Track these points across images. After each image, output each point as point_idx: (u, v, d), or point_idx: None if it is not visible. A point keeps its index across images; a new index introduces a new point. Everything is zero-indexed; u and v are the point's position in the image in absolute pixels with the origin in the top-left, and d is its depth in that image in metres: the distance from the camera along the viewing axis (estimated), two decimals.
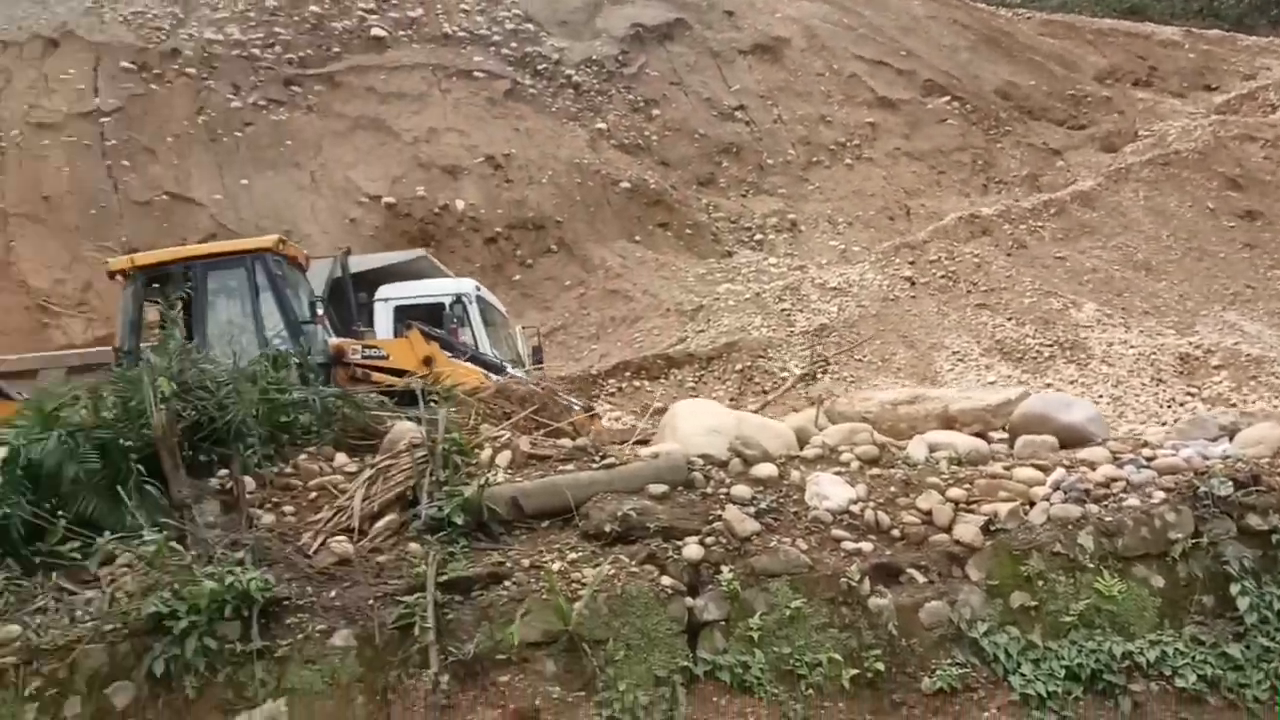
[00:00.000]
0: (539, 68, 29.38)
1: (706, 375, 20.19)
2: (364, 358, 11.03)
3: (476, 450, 6.94)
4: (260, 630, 5.59)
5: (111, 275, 12.20)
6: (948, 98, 32.59)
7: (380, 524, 6.32)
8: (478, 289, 14.70)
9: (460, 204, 25.29)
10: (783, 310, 22.37)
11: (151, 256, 12.09)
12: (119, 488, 6.19)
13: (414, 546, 6.23)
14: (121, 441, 6.24)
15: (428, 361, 11.01)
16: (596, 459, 7.01)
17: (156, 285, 11.42)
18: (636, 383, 20.19)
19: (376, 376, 10.45)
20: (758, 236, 27.54)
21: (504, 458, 6.98)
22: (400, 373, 10.46)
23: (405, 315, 13.31)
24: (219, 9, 28.40)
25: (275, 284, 11.20)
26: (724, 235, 27.32)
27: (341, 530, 6.31)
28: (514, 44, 29.67)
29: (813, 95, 31.56)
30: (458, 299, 13.46)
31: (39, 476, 6.07)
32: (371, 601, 5.84)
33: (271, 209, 24.76)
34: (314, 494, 6.72)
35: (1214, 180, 27.28)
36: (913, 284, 23.00)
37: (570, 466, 6.97)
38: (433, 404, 7.59)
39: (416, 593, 5.81)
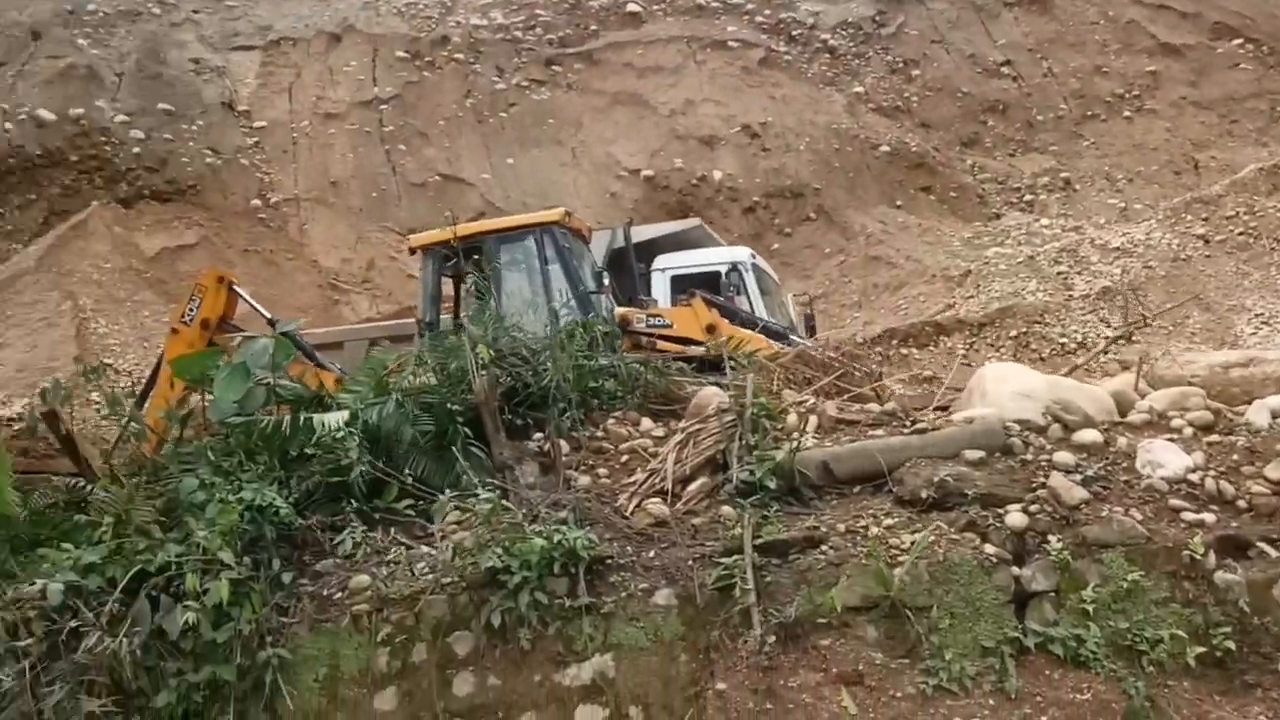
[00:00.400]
0: (793, 34, 28.99)
1: (978, 342, 19.42)
2: (648, 326, 11.17)
3: (783, 415, 6.88)
4: (586, 587, 5.72)
5: (411, 251, 12.84)
6: (1240, 40, 29.96)
7: (693, 487, 6.36)
8: (753, 257, 14.67)
9: (718, 174, 25.33)
10: (1059, 273, 21.21)
11: (446, 233, 12.64)
12: (450, 449, 6.49)
13: (726, 509, 6.23)
14: (449, 406, 6.54)
15: (711, 329, 11.06)
16: (907, 424, 6.81)
17: (452, 260, 11.91)
18: (904, 350, 19.65)
19: (661, 345, 10.56)
20: (1027, 197, 26.29)
21: (810, 423, 6.88)
22: (685, 341, 10.55)
23: (682, 284, 13.44)
24: None
25: (563, 256, 11.47)
26: (991, 197, 26.23)
27: (655, 492, 6.38)
28: (767, 11, 29.38)
29: (1086, 45, 29.74)
30: (733, 267, 13.47)
31: (377, 438, 6.44)
32: (690, 562, 5.88)
33: (536, 186, 25.57)
34: (625, 457, 6.84)
35: None
36: (1206, 242, 21.32)
37: (880, 431, 6.80)
38: (732, 370, 7.62)
39: (734, 555, 5.80)
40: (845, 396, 7.43)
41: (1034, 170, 26.95)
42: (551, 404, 6.80)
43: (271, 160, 25.92)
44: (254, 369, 6.92)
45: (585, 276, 11.60)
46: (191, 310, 11.16)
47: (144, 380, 12.20)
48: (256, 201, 25.05)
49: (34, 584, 5.56)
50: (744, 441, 6.46)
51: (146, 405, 10.91)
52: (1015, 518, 5.96)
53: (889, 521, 6.03)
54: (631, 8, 29.19)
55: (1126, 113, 28.55)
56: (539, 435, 6.89)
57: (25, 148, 23.97)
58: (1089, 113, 28.50)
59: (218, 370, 6.95)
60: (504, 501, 5.96)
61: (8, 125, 24.11)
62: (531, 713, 5.59)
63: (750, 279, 13.83)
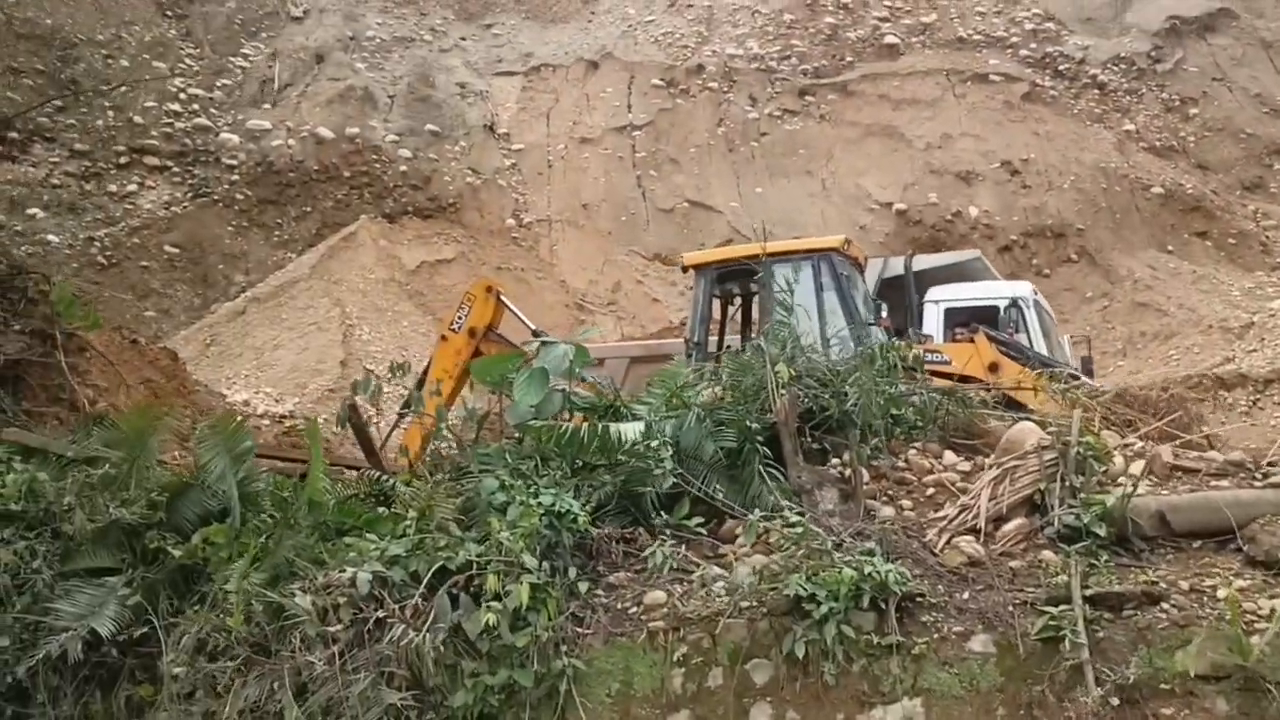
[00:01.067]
0: (1060, 68, 27.78)
1: (1263, 399, 17.90)
2: (925, 362, 10.67)
3: (1108, 457, 6.33)
4: (896, 624, 5.35)
5: (685, 270, 12.81)
6: None
7: (1009, 527, 5.88)
8: (1034, 293, 13.93)
9: (974, 210, 24.45)
10: None
11: (722, 253, 12.58)
12: (744, 468, 6.28)
13: (1048, 554, 5.72)
14: (748, 424, 6.31)
15: (994, 368, 10.50)
16: (1258, 476, 6.14)
17: (725, 281, 11.84)
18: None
19: (937, 382, 10.07)
20: None
21: (1137, 467, 6.30)
22: (965, 379, 9.99)
23: (956, 318, 12.88)
24: (740, 25, 29.55)
25: (839, 283, 11.19)
26: (1275, 245, 24.27)
27: (966, 530, 5.95)
28: (1033, 45, 28.28)
29: None
30: (1014, 302, 12.77)
31: (675, 453, 6.27)
32: (1010, 608, 5.41)
33: (784, 215, 25.31)
34: (930, 490, 6.44)
35: None
36: None
37: (1224, 483, 6.15)
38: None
39: (1060, 605, 5.28)
40: (1177, 442, 6.78)
41: None
42: (853, 429, 6.46)
43: (527, 182, 26.73)
44: (552, 375, 6.91)
45: (859, 305, 11.25)
46: (460, 318, 11.41)
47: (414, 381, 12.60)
48: (511, 221, 25.86)
49: (344, 571, 5.62)
50: (1067, 483, 5.95)
51: (414, 407, 11.26)
52: None
53: (1241, 583, 5.39)
54: (889, 39, 28.68)
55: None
56: (836, 461, 6.57)
57: (305, 163, 25.55)
58: None
59: (517, 374, 6.95)
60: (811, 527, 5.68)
61: (291, 142, 25.75)
62: None
63: (1031, 316, 13.10)
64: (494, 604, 5.38)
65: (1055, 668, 5.15)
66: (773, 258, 11.74)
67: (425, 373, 11.64)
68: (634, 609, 5.70)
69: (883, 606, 5.36)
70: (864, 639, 5.33)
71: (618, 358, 12.45)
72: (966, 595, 5.57)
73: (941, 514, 6.06)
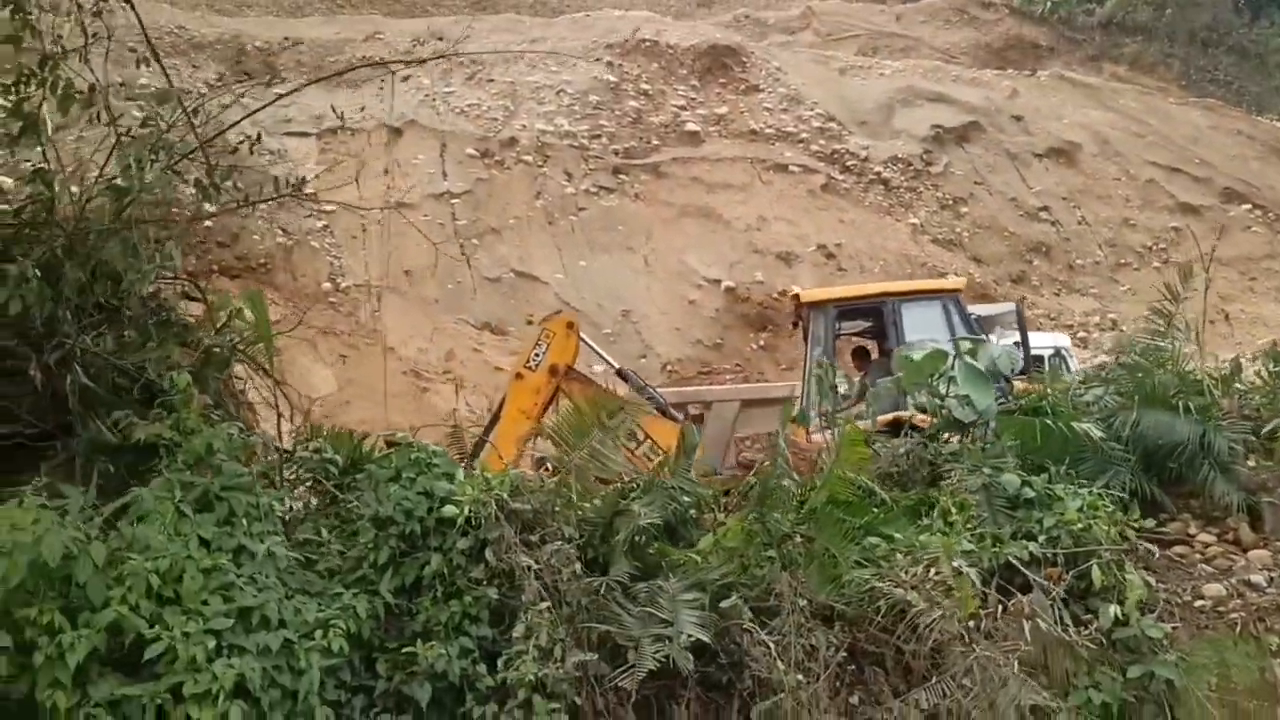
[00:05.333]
0: (848, 164, 29.78)
1: None
2: None
3: None
4: None
5: (798, 306, 13.21)
6: (1248, 205, 32.05)
7: None
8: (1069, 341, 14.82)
9: (797, 290, 25.42)
10: None
11: (841, 291, 13.22)
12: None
13: None
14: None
15: None
16: None
17: (845, 319, 12.32)
18: None
19: None
20: (1080, 334, 27.06)
21: None
22: None
23: None
24: (545, 103, 29.55)
25: (968, 323, 11.64)
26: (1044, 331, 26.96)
27: None
28: (821, 141, 30.20)
29: (1113, 199, 31.34)
30: (1057, 351, 13.54)
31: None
32: None
33: (610, 289, 25.29)
34: None
35: None
36: None
37: None
38: None
39: None
40: None
41: (1082, 309, 27.88)
42: None
43: (341, 245, 25.14)
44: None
45: None
46: (539, 354, 10.70)
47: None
48: (327, 285, 24.15)
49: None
50: None
51: (485, 448, 10.35)
52: None
53: None
54: (690, 126, 29.64)
55: (1155, 264, 29.94)
56: None
57: None
58: (1122, 261, 29.82)
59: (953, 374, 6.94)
60: None
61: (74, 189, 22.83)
62: None
63: (1073, 362, 13.90)
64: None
65: None
66: (899, 297, 12.07)
67: (496, 415, 10.84)
68: (1196, 601, 5.44)
69: None
70: None
71: (727, 400, 12.22)
72: None
73: None
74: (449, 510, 6.66)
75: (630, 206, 27.29)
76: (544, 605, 5.96)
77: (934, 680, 5.55)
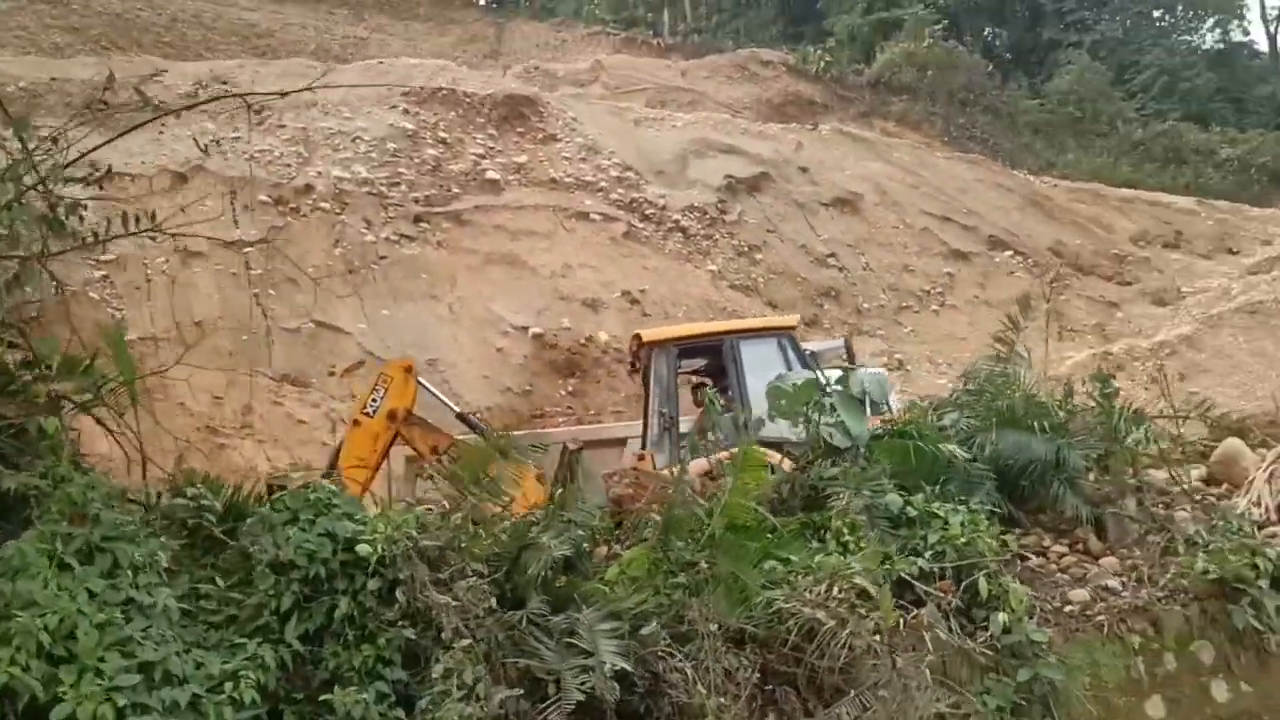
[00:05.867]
0: (647, 213, 30.33)
1: None
2: None
3: None
4: None
5: (639, 346, 13.29)
6: (1010, 252, 34.50)
7: None
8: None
9: (604, 335, 25.62)
10: None
11: (680, 330, 13.43)
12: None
13: None
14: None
15: None
16: None
17: (685, 358, 12.53)
18: None
19: None
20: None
21: None
22: None
23: None
24: (341, 149, 28.87)
25: (803, 360, 11.92)
26: None
27: None
28: (620, 190, 30.66)
29: (893, 246, 33.10)
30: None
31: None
32: None
33: (416, 338, 24.74)
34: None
35: None
36: None
37: None
38: None
39: None
40: None
41: (871, 350, 29.11)
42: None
43: (123, 296, 23.66)
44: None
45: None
46: (375, 400, 10.36)
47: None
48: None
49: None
50: None
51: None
52: None
53: None
54: (491, 175, 29.57)
55: (934, 306, 31.77)
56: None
57: None
58: (904, 304, 31.47)
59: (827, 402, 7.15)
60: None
61: None
62: None
63: (893, 397, 14.42)
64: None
65: None
66: (737, 335, 12.25)
67: (332, 462, 10.34)
68: (1065, 607, 5.70)
69: None
70: None
71: (579, 441, 12.06)
72: None
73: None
74: (363, 549, 6.47)
75: (433, 254, 26.88)
76: (465, 643, 5.77)
77: (851, 694, 5.71)
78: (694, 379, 14.79)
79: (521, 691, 6.09)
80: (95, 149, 9.18)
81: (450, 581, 6.26)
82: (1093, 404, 9.44)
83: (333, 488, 7.21)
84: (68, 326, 22.44)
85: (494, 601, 6.27)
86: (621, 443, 13.19)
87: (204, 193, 26.40)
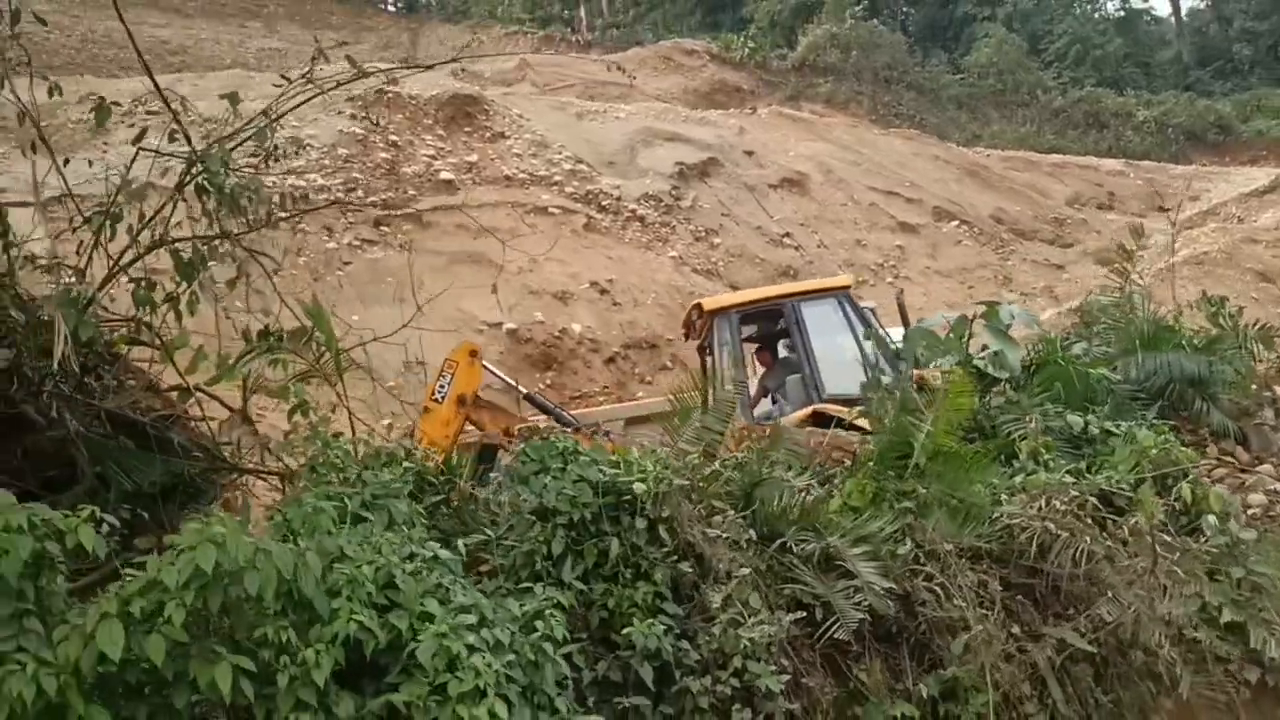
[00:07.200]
0: (603, 204, 30.41)
1: None
2: None
3: None
4: None
5: (701, 314, 13.47)
6: (956, 222, 35.25)
7: None
8: None
9: (577, 327, 25.68)
10: None
11: (738, 297, 13.83)
12: None
13: None
14: None
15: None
16: None
17: (746, 324, 12.83)
18: None
19: None
20: None
21: None
22: None
23: None
24: (293, 158, 28.46)
25: (861, 316, 12.20)
26: None
27: None
28: (575, 183, 30.69)
29: (844, 222, 33.62)
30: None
31: None
32: None
33: (389, 342, 24.58)
34: None
35: (1246, 274, 30.36)
36: None
37: None
38: None
39: None
40: None
41: None
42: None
43: None
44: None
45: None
46: (443, 386, 10.46)
47: None
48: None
49: None
50: None
51: None
52: None
53: None
54: (445, 175, 29.40)
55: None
56: None
57: None
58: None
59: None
60: None
61: None
62: None
63: None
64: None
65: None
66: (797, 297, 12.50)
67: None
68: (1247, 510, 6.07)
69: None
70: None
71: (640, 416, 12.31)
72: None
73: None
74: (639, 488, 6.65)
75: (397, 257, 26.60)
76: (745, 571, 6.04)
77: (1108, 594, 6.07)
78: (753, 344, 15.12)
79: (804, 614, 6.33)
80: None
81: (706, 518, 6.59)
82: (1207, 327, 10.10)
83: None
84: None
85: (753, 533, 6.57)
86: (664, 418, 13.43)
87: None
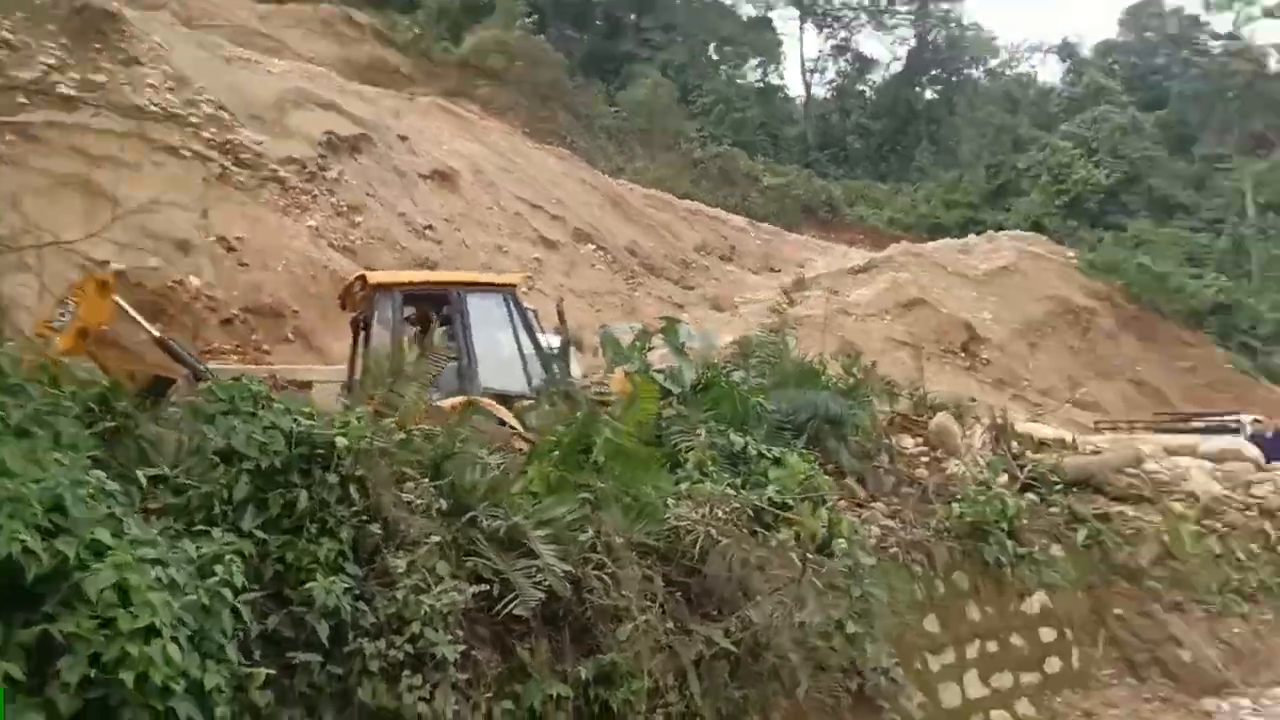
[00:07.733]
0: (242, 157, 28.51)
1: None
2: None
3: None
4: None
5: (363, 287, 13.53)
6: (594, 246, 36.29)
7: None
8: None
9: (195, 281, 23.86)
10: None
11: (408, 276, 13.19)
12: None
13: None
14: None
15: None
16: None
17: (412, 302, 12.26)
18: None
19: None
20: None
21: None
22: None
23: None
24: None
25: (524, 316, 11.99)
26: None
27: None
28: (214, 129, 28.55)
29: (488, 225, 33.60)
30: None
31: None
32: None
33: None
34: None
35: (833, 340, 33.33)
36: None
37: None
38: None
39: None
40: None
41: None
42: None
43: None
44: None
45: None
46: (64, 315, 9.20)
47: None
48: None
49: None
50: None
51: None
52: None
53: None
54: (64, 89, 26.40)
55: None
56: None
57: None
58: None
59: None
60: None
61: None
62: None
63: (574, 362, 14.66)
64: None
65: None
66: (465, 287, 11.96)
67: None
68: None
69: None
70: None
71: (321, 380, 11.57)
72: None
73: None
74: (340, 441, 6.42)
75: None
76: (435, 539, 5.72)
77: (757, 599, 6.35)
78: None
79: (486, 587, 6.26)
80: None
81: (399, 483, 6.31)
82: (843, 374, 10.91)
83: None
84: None
85: (443, 503, 6.36)
86: (307, 385, 12.69)
87: None
